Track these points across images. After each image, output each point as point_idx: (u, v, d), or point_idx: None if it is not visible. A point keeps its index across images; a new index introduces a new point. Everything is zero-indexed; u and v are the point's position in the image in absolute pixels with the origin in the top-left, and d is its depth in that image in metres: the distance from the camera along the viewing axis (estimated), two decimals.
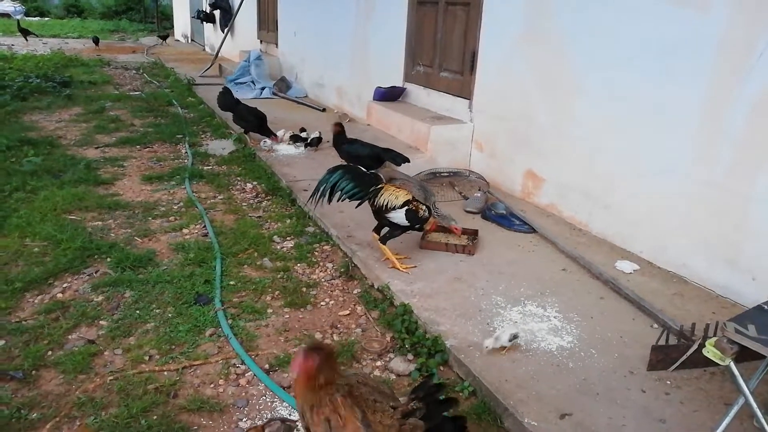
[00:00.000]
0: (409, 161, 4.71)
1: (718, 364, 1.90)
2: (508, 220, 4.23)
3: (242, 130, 6.59)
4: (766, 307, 1.94)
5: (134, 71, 12.42)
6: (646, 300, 3.12)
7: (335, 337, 2.99)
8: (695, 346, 2.54)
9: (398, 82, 6.54)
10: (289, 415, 2.40)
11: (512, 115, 4.80)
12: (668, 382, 2.53)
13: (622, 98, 3.78)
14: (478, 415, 2.41)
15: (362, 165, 4.39)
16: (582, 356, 2.70)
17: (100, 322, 3.00)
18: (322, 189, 3.41)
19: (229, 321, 3.04)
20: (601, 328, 2.93)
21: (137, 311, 3.09)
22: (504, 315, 3.04)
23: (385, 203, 3.47)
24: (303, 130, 6.37)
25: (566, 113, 4.25)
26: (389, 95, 6.40)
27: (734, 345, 1.75)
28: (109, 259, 3.65)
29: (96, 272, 3.50)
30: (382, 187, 3.50)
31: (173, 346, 2.82)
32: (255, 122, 6.40)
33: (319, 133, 6.32)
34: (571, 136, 4.23)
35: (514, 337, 2.68)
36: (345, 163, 3.80)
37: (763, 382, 2.15)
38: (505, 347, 2.67)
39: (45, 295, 3.22)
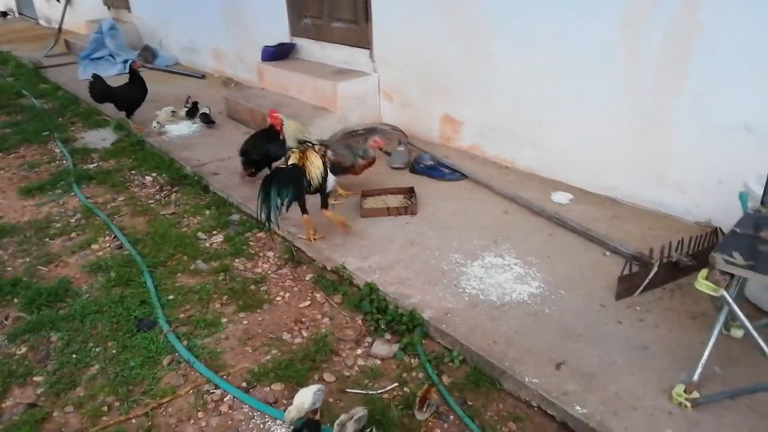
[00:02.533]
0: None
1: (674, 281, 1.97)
2: (437, 170, 4.18)
3: (122, 114, 5.86)
4: (738, 230, 2.04)
5: None
6: (592, 229, 3.24)
7: (304, 333, 2.82)
8: (655, 269, 2.68)
9: (285, 37, 6.12)
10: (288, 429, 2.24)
11: (422, 63, 4.66)
12: (638, 308, 2.66)
13: (541, 39, 3.76)
14: (475, 383, 2.41)
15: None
16: (553, 299, 2.76)
17: (34, 378, 2.60)
18: (273, 209, 3.07)
19: (184, 342, 2.76)
20: (561, 266, 3.01)
21: (73, 355, 2.71)
22: (467, 272, 3.02)
23: (320, 179, 3.26)
24: (194, 104, 5.81)
25: (483, 57, 4.17)
26: (279, 53, 5.98)
27: (726, 275, 1.83)
28: (16, 300, 3.15)
29: (6, 319, 3.01)
30: (304, 169, 3.26)
31: (131, 387, 2.51)
32: (141, 100, 5.72)
33: (208, 108, 5.80)
34: (490, 78, 4.18)
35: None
36: (269, 174, 3.48)
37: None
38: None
39: None
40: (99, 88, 5.65)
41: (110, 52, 9.22)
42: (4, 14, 15.89)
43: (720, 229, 2.94)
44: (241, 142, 4.37)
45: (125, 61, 8.74)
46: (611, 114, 3.52)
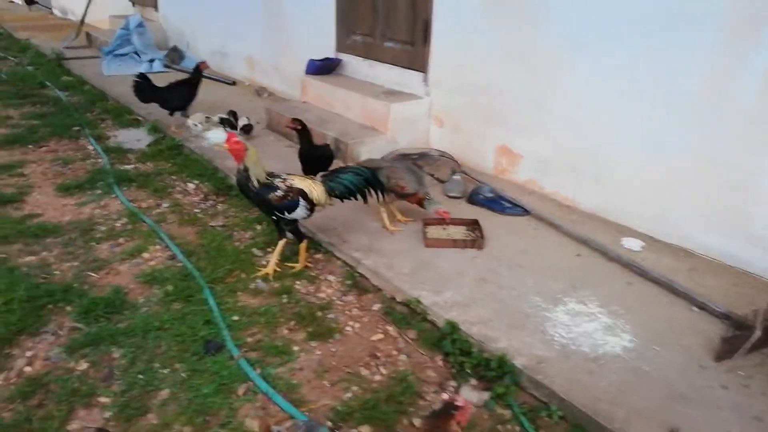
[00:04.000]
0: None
1: None
2: (498, 203, 4.08)
3: (163, 113, 5.68)
4: None
5: None
6: (675, 281, 3.14)
7: (383, 370, 2.67)
8: (758, 332, 2.58)
9: (330, 52, 6.02)
10: None
11: (480, 90, 4.58)
12: (740, 373, 2.55)
13: (615, 72, 3.70)
14: None
15: (320, 166, 4.01)
16: (650, 356, 2.64)
17: (99, 398, 2.41)
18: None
19: (257, 370, 2.60)
20: (648, 319, 2.90)
21: (140, 376, 2.53)
22: (552, 318, 2.90)
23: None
24: (233, 113, 5.65)
25: (548, 87, 4.10)
26: (324, 68, 5.87)
27: None
28: (69, 309, 2.96)
29: (60, 329, 2.82)
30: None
31: (207, 418, 2.34)
32: (191, 101, 5.63)
33: (248, 119, 5.66)
34: (553, 109, 4.11)
35: None
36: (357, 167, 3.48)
37: None
38: None
39: (8, 371, 2.53)
40: (143, 87, 5.47)
41: (135, 50, 9.06)
42: (32, 2, 15.50)
43: None
44: (283, 156, 4.26)
45: (151, 60, 8.61)
46: (689, 157, 3.43)
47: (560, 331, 2.78)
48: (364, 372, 2.65)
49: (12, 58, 9.23)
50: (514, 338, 2.73)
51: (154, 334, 2.79)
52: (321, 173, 3.64)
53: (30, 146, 5.34)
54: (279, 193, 3.18)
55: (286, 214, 3.23)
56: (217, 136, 5.53)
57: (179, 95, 5.58)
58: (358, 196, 3.44)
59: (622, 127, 3.74)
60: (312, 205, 3.29)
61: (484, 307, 2.96)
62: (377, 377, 2.62)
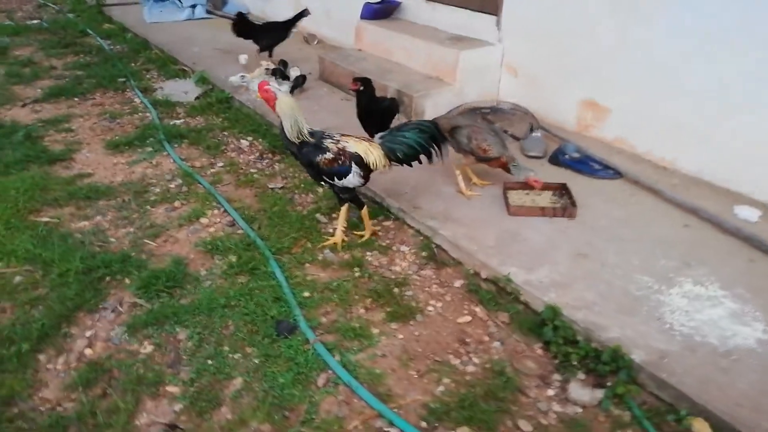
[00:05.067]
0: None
1: None
2: (586, 165, 3.64)
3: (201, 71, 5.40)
4: None
5: None
6: None
7: (474, 359, 2.37)
8: None
9: None
10: None
11: (563, 34, 4.07)
12: None
13: (727, 7, 3.15)
14: None
15: (382, 122, 3.64)
16: None
17: (167, 388, 2.18)
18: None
19: (336, 357, 2.32)
20: None
21: (209, 361, 2.29)
22: (666, 302, 2.52)
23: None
24: (283, 63, 5.27)
25: (646, 30, 3.58)
26: (382, 12, 5.39)
27: None
28: (128, 281, 2.73)
29: (120, 304, 2.60)
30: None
31: (287, 413, 2.09)
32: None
33: (299, 69, 5.27)
34: (652, 57, 3.59)
35: None
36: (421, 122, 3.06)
37: None
38: None
39: (68, 354, 2.33)
40: (242, 25, 5.56)
41: None
42: None
43: None
44: (340, 110, 3.98)
45: (193, 6, 8.21)
46: None
47: (680, 318, 2.41)
48: (455, 361, 2.35)
49: (52, 5, 8.97)
50: (627, 326, 2.37)
51: (220, 312, 2.54)
52: (379, 133, 3.22)
53: (76, 99, 5.11)
54: (328, 155, 2.79)
55: (336, 180, 2.86)
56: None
57: (271, 36, 5.55)
58: (423, 158, 3.01)
59: (735, 74, 3.22)
60: (368, 172, 2.91)
61: (587, 288, 2.60)
62: (470, 368, 2.32)
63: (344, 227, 3.09)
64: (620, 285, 2.63)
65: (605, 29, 3.80)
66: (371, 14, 5.38)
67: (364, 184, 2.96)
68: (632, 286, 2.62)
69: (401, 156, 2.95)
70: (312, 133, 2.82)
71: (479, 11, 4.68)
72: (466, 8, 4.79)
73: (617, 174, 3.57)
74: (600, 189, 3.46)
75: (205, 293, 2.65)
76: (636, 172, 3.58)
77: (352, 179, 2.85)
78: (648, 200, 3.35)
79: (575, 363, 2.29)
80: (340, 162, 2.80)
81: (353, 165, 2.82)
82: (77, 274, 2.70)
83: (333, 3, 6.36)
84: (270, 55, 5.57)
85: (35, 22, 7.92)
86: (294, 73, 5.22)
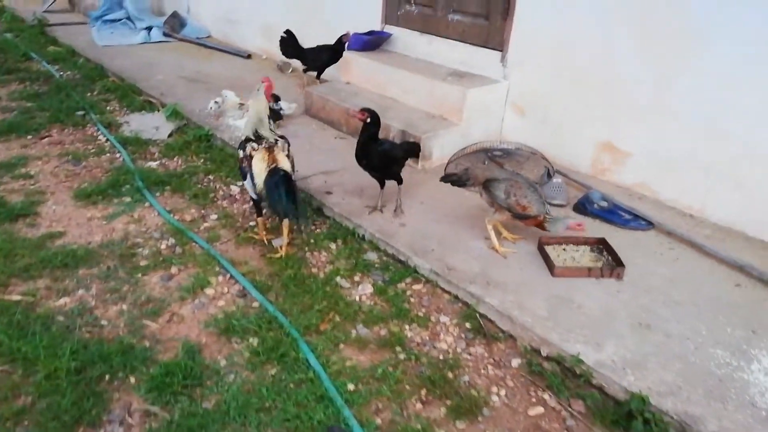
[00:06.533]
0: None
1: None
2: (615, 214, 3.45)
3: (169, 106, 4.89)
4: None
5: None
6: None
7: None
8: None
9: (375, 24, 5.23)
10: None
11: (579, 72, 3.89)
12: None
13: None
14: None
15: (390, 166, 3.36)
16: None
17: None
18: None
19: None
20: None
21: None
22: (752, 381, 2.31)
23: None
24: (277, 98, 4.83)
25: (674, 67, 3.43)
26: (371, 44, 5.08)
27: None
28: (133, 380, 2.26)
29: (128, 414, 2.12)
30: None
31: None
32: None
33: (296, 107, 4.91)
34: (682, 96, 3.44)
35: None
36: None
37: None
38: None
39: None
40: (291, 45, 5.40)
41: (128, 15, 8.10)
42: None
43: None
44: (336, 149, 3.93)
45: (148, 28, 7.64)
46: None
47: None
48: None
49: None
50: (723, 416, 2.14)
51: (256, 418, 2.11)
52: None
53: (29, 136, 4.50)
54: (240, 153, 3.06)
55: (242, 179, 3.09)
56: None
57: (320, 58, 5.32)
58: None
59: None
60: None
61: (664, 368, 2.36)
62: None
63: (265, 237, 3.20)
64: (697, 362, 2.40)
65: (630, 62, 3.62)
66: (360, 45, 5.07)
67: (258, 200, 3.04)
68: (710, 363, 2.39)
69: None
70: (258, 135, 3.01)
71: (483, 46, 4.46)
72: (466, 42, 4.56)
73: (649, 225, 3.39)
74: (635, 242, 3.26)
75: (231, 392, 2.22)
76: (663, 220, 3.41)
77: (248, 185, 2.97)
78: (688, 254, 3.17)
79: None
80: (244, 164, 3.00)
81: (250, 174, 2.92)
82: (69, 374, 2.20)
83: (310, 29, 5.97)
84: (318, 77, 5.45)
85: None
86: (287, 108, 4.83)
